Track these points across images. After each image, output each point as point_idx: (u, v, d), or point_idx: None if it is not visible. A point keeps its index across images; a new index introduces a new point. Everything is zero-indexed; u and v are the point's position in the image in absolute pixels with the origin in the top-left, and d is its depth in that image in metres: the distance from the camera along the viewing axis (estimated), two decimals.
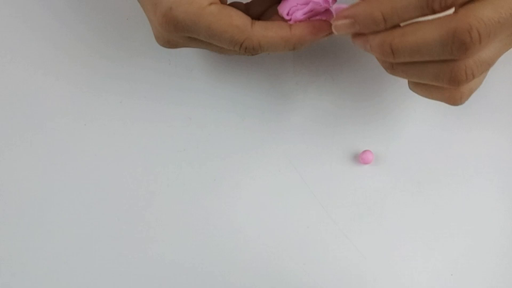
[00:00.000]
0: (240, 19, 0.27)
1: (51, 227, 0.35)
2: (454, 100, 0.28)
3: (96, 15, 0.38)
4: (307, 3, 0.29)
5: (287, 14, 0.29)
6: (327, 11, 0.30)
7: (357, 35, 0.27)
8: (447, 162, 0.36)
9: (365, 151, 0.36)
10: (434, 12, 0.24)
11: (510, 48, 0.28)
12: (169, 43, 0.30)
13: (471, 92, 0.28)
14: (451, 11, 0.24)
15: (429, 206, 0.36)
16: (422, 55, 0.25)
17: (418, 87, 0.29)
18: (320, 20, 0.29)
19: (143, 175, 0.36)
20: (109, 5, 0.38)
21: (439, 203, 0.36)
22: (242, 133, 0.37)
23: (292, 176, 0.36)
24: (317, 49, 0.38)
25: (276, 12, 0.30)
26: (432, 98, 0.29)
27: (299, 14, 0.29)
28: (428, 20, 0.25)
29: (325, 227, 0.35)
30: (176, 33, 0.28)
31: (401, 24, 0.26)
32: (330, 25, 0.29)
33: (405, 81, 0.37)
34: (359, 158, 0.36)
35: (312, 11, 0.29)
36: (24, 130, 0.37)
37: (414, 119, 0.37)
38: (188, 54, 0.37)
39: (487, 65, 0.26)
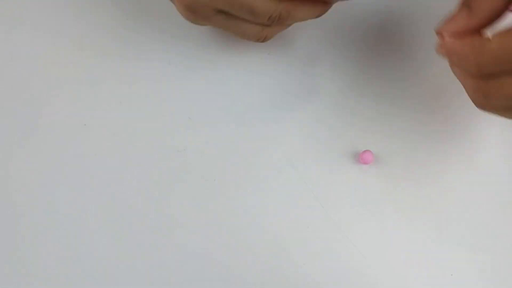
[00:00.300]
0: None
1: (49, 227, 0.35)
2: None
3: (95, 15, 0.38)
4: None
5: None
6: None
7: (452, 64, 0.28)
8: (447, 162, 0.36)
9: (365, 151, 0.36)
10: None
11: None
12: (192, 13, 0.29)
13: None
14: None
15: (429, 206, 0.36)
16: (500, 67, 0.24)
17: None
18: None
19: (143, 175, 0.36)
20: (109, 5, 0.38)
21: (439, 203, 0.36)
22: (242, 133, 0.37)
23: (292, 176, 0.36)
24: (317, 49, 0.38)
25: None
26: None
27: None
28: (505, 32, 0.24)
29: (325, 227, 0.35)
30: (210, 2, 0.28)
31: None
32: None
33: (405, 81, 0.37)
34: (359, 158, 0.36)
35: None
36: (23, 130, 0.37)
37: (415, 119, 0.37)
38: (188, 54, 0.38)
39: None
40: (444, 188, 0.36)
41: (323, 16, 0.31)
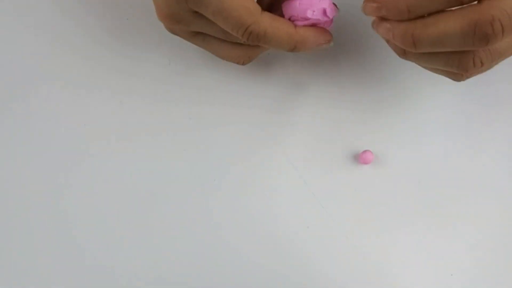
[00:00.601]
0: (251, 2, 0.27)
1: (49, 228, 0.35)
2: (457, 77, 0.28)
3: (95, 14, 0.38)
4: (307, 19, 0.29)
5: (289, 20, 0.29)
6: (326, 22, 0.30)
7: (379, 22, 0.28)
8: (447, 162, 0.36)
9: (365, 151, 0.36)
10: (462, 4, 0.24)
11: None
12: (170, 18, 0.29)
13: (477, 74, 0.28)
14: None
15: (429, 206, 0.36)
16: (443, 45, 0.25)
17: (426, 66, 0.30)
18: (323, 28, 0.30)
19: (143, 175, 0.36)
20: (109, 5, 0.38)
21: (439, 203, 0.36)
22: (242, 133, 0.37)
23: (292, 176, 0.36)
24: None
25: (281, 12, 0.30)
26: (436, 73, 0.29)
27: (299, 24, 0.29)
28: (451, 11, 0.25)
29: (325, 227, 0.35)
30: (186, 3, 0.27)
31: None
32: (331, 35, 0.30)
33: (405, 82, 0.37)
34: (359, 158, 0.36)
35: (312, 24, 0.30)
36: (24, 130, 0.37)
37: (414, 119, 0.37)
38: (188, 54, 0.38)
39: (499, 54, 0.25)
40: (444, 188, 0.36)
41: None
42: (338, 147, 0.36)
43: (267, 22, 0.28)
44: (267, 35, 0.28)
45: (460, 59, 0.25)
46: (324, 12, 0.29)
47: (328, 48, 0.31)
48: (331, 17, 0.30)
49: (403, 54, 0.28)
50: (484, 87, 0.37)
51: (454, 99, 0.37)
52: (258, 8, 0.28)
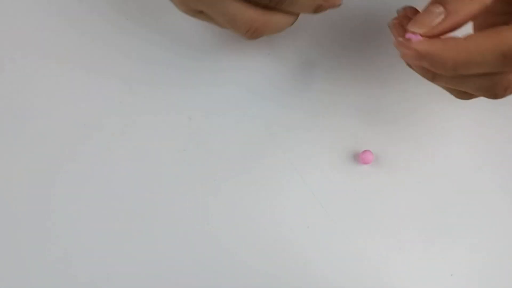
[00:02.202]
0: None
1: (49, 228, 0.35)
2: (496, 96, 0.27)
3: (95, 14, 0.38)
4: None
5: None
6: None
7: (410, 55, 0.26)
8: (447, 162, 0.36)
9: (365, 151, 0.36)
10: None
11: None
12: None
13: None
14: None
15: (429, 206, 0.36)
16: (476, 67, 0.24)
17: (460, 95, 0.29)
18: None
19: (143, 175, 0.36)
20: (109, 5, 0.38)
21: (439, 203, 0.36)
22: (242, 133, 0.37)
23: (292, 176, 0.36)
24: (317, 49, 0.38)
25: None
26: (463, 98, 0.29)
27: None
28: (480, 34, 0.24)
29: (325, 227, 0.35)
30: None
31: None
32: None
33: (405, 81, 0.37)
34: (359, 158, 0.36)
35: None
36: (24, 130, 0.36)
37: (414, 119, 0.37)
38: (188, 54, 0.38)
39: None
40: (444, 188, 0.36)
41: (324, 15, 0.31)
42: (338, 147, 0.36)
43: (261, 16, 0.28)
44: (264, 29, 0.28)
45: (491, 85, 0.25)
46: None
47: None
48: None
49: (432, 78, 0.27)
50: None
51: (454, 99, 0.37)
52: None
